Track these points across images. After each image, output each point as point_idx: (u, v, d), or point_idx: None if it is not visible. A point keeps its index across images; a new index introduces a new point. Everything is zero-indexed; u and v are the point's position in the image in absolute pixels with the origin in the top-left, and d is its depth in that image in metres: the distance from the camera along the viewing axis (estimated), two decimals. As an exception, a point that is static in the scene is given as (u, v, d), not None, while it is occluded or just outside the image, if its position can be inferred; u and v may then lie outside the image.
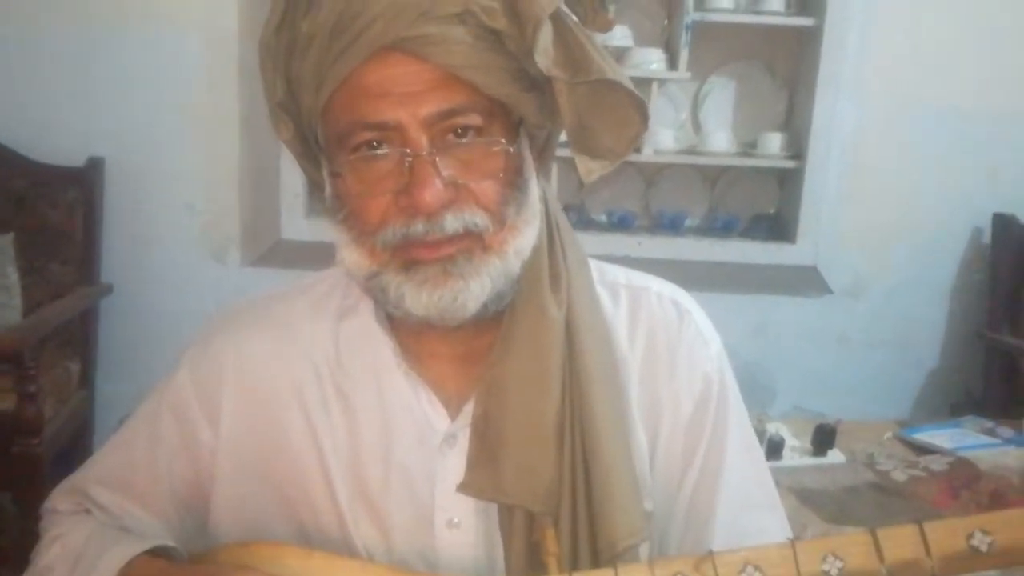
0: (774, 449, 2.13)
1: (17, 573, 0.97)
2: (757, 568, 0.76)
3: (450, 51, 0.79)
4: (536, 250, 0.88)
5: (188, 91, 2.94)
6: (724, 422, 0.96)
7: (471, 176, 0.82)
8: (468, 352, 0.92)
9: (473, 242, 0.83)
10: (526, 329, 0.88)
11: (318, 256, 1.03)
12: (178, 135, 2.98)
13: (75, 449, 2.78)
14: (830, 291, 3.11)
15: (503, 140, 0.83)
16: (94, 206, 2.89)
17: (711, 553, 0.77)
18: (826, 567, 0.76)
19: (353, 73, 0.80)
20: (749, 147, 3.13)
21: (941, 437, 2.27)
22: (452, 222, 0.81)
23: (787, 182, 3.19)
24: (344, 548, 0.91)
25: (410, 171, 0.80)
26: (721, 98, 3.17)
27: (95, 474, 1.00)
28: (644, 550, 0.91)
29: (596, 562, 0.85)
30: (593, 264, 0.98)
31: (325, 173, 0.87)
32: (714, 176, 3.23)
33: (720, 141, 3.07)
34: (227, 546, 0.89)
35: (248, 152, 3.00)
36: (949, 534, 0.75)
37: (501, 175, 0.83)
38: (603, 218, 3.20)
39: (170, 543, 0.92)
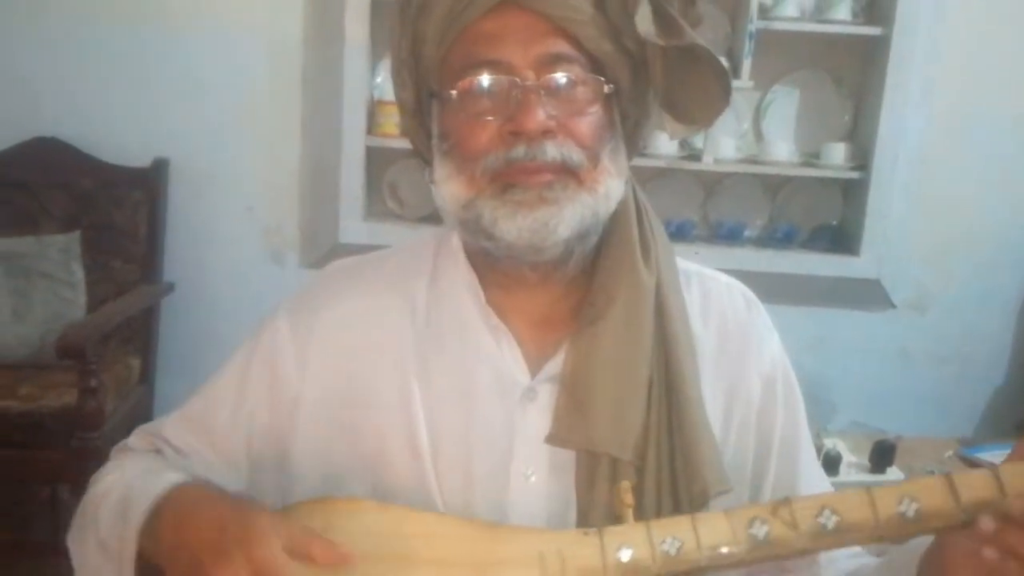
0: (831, 465, 2.09)
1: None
2: (834, 512, 0.78)
3: (561, 4, 0.88)
4: (626, 217, 0.96)
5: (251, 95, 2.99)
6: (796, 404, 1.03)
7: (571, 114, 0.89)
8: (550, 314, 0.97)
9: (568, 176, 0.89)
10: (621, 291, 0.94)
11: (375, 260, 1.05)
12: (241, 138, 3.02)
13: (134, 444, 2.82)
14: (893, 305, 3.05)
15: (602, 79, 0.91)
16: (158, 206, 2.94)
17: (788, 499, 0.79)
18: (902, 508, 0.77)
19: (472, 23, 0.89)
20: (812, 157, 3.08)
21: (1005, 457, 2.20)
22: (552, 150, 0.88)
23: (851, 193, 3.14)
24: (421, 500, 0.93)
25: (516, 101, 0.87)
26: (784, 107, 3.13)
27: (178, 414, 1.04)
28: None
29: (679, 512, 0.88)
30: None
31: (435, 121, 0.94)
32: (775, 186, 3.19)
33: (782, 150, 3.03)
34: (302, 503, 0.89)
35: (308, 156, 3.04)
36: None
37: (598, 117, 0.91)
38: (661, 227, 3.15)
39: (220, 485, 0.95)
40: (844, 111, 3.12)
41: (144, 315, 2.90)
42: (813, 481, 1.02)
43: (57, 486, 2.71)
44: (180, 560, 0.82)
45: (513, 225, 0.88)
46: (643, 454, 0.90)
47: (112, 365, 2.65)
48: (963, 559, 0.77)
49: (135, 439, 1.05)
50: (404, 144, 2.92)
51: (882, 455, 2.13)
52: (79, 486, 2.39)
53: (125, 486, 0.94)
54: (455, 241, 1.00)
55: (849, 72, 3.11)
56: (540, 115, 0.86)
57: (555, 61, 0.88)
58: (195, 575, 0.79)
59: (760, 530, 0.79)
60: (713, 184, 3.18)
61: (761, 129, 3.14)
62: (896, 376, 3.06)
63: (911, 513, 0.77)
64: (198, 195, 3.03)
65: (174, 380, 2.97)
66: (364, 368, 0.98)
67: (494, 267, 0.95)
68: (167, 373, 3.00)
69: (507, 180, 0.88)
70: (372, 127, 2.99)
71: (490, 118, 0.88)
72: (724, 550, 0.79)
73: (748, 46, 2.85)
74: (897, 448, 2.16)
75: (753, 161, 3.07)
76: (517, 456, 0.94)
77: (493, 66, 0.88)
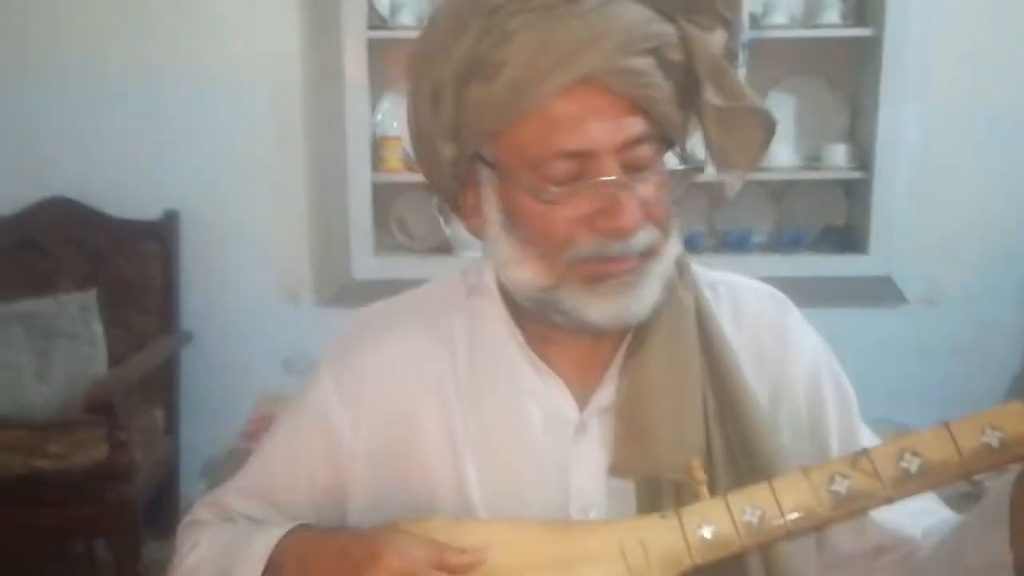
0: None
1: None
2: (916, 453, 0.75)
3: (639, 83, 0.85)
4: None
5: (256, 141, 3.03)
6: (847, 397, 1.02)
7: (653, 200, 0.88)
8: (592, 348, 0.96)
9: (650, 257, 0.89)
10: (664, 314, 0.93)
11: (389, 293, 1.06)
12: (248, 184, 3.06)
13: (163, 494, 2.85)
14: (905, 300, 3.06)
15: (675, 166, 0.91)
16: (171, 257, 2.98)
17: (865, 449, 0.77)
18: (986, 439, 0.75)
19: (546, 102, 0.84)
20: (813, 160, 3.10)
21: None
22: (640, 240, 0.87)
23: (854, 193, 3.15)
24: None
25: (609, 197, 0.85)
26: (782, 113, 3.14)
27: (235, 486, 1.04)
28: None
29: None
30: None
31: (490, 190, 0.90)
32: (779, 191, 3.20)
33: (783, 156, 3.05)
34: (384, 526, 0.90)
35: (315, 196, 3.08)
36: None
37: (668, 192, 0.90)
38: (669, 240, 3.16)
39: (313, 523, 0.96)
40: (841, 113, 3.14)
41: (164, 365, 2.92)
42: None
43: (92, 541, 2.73)
44: None
45: (601, 312, 0.88)
46: (709, 471, 0.88)
47: (137, 417, 2.66)
48: None
49: (201, 511, 1.04)
50: (408, 178, 2.96)
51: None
52: (114, 539, 2.45)
53: (216, 557, 0.94)
54: (489, 285, 0.98)
55: (843, 74, 3.12)
56: (635, 213, 0.85)
57: (635, 144, 0.86)
58: None
59: (842, 485, 0.76)
60: (717, 194, 3.19)
61: (760, 136, 3.15)
62: (914, 370, 3.07)
63: (995, 442, 0.74)
64: (210, 243, 3.07)
65: (198, 427, 2.98)
66: (411, 415, 0.97)
67: (541, 319, 0.93)
68: (191, 421, 3.01)
69: (596, 272, 0.87)
70: (376, 163, 3.02)
71: (572, 208, 0.86)
72: (807, 512, 0.77)
73: (742, 56, 2.88)
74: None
75: (755, 168, 3.08)
76: (574, 492, 0.93)
77: (575, 157, 0.84)
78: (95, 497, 2.39)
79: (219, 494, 1.04)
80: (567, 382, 0.96)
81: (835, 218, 3.21)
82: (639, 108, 0.85)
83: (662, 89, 0.86)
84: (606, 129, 0.84)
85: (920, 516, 0.94)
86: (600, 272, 0.87)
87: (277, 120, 3.03)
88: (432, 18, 0.93)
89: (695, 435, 0.91)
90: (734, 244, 3.13)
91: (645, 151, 0.87)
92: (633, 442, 0.91)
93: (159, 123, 3.01)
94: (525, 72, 0.83)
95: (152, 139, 3.02)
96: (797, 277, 2.92)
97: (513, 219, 0.89)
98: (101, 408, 2.36)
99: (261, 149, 3.04)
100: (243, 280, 3.11)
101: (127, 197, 2.99)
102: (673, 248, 0.92)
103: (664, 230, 0.90)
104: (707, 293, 1.00)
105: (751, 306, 1.02)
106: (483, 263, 1.00)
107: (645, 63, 0.85)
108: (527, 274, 0.89)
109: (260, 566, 0.88)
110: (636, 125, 0.85)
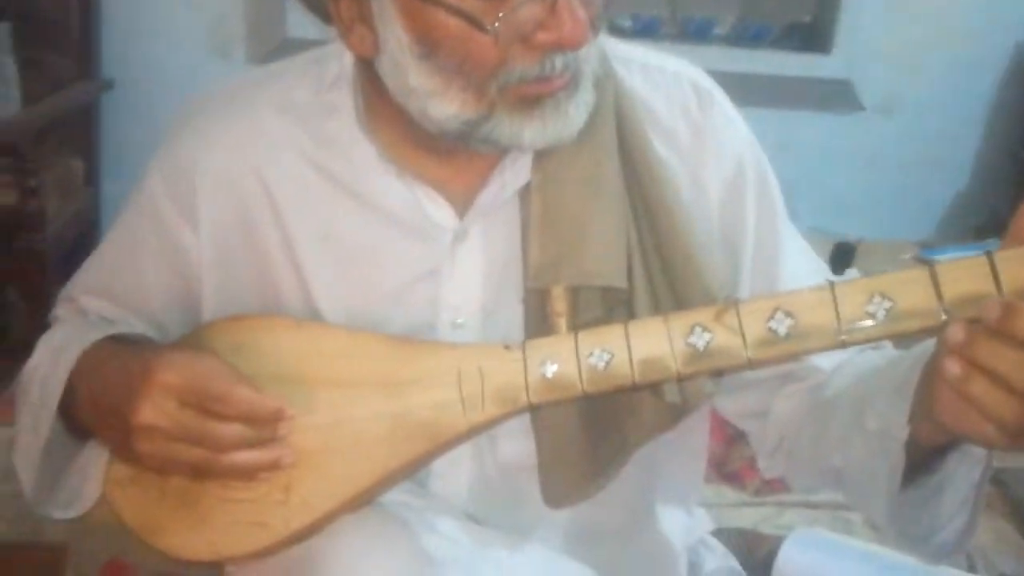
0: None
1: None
2: (788, 314, 0.67)
3: None
4: None
5: None
6: (771, 202, 0.92)
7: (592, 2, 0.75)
8: (465, 162, 0.85)
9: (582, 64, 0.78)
10: None
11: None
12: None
13: (82, 247, 2.76)
14: (862, 107, 2.98)
15: None
16: (91, -6, 2.74)
17: (735, 302, 0.69)
18: (871, 308, 0.65)
19: None
20: (787, -51, 2.95)
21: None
22: (584, 53, 0.76)
23: (825, -12, 3.02)
24: None
25: (553, 8, 0.72)
26: None
27: (81, 284, 0.97)
28: None
29: None
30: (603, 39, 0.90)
31: (388, 5, 0.75)
32: (747, -20, 3.06)
33: (756, -58, 2.89)
34: (214, 322, 0.85)
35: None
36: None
37: None
38: (628, 23, 3.03)
39: (144, 333, 0.91)
40: (823, -101, 2.95)
41: (83, 113, 2.77)
42: (801, 275, 0.89)
43: (4, 287, 2.67)
44: (107, 423, 0.80)
45: (537, 136, 0.77)
46: (631, 277, 0.81)
47: (52, 167, 2.53)
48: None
49: (62, 309, 0.98)
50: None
51: (841, 257, 2.14)
52: (24, 286, 2.37)
53: (45, 364, 0.88)
54: (345, 80, 0.87)
55: None
56: (583, 22, 0.72)
57: None
58: (123, 428, 0.76)
59: (701, 338, 0.69)
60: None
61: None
62: (861, 180, 3.02)
63: (881, 313, 0.65)
64: (134, -16, 2.84)
65: (121, 182, 2.82)
66: (249, 219, 0.88)
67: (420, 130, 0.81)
68: (113, 174, 2.87)
69: (533, 93, 0.76)
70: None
71: (516, 31, 0.72)
72: (658, 363, 0.70)
73: None
74: (857, 250, 2.16)
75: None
76: (444, 306, 0.86)
77: None
78: (4, 243, 2.31)
79: (70, 289, 0.98)
80: (439, 185, 0.85)
81: (802, 14, 3.08)
82: None
83: None
84: None
85: None
86: (538, 93, 0.76)
87: None
88: None
89: (620, 237, 0.81)
90: (695, 34, 3.02)
91: None
92: (553, 250, 0.81)
93: None
94: None
95: None
96: (756, 74, 2.84)
97: (428, 44, 0.75)
98: (7, 150, 2.24)
99: None
100: (171, 28, 2.89)
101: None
102: (598, 46, 0.81)
103: (596, 30, 0.77)
104: (620, 72, 0.88)
105: (669, 95, 0.90)
106: (339, 52, 0.87)
107: None
108: (450, 108, 0.76)
109: (61, 384, 0.84)
110: None
